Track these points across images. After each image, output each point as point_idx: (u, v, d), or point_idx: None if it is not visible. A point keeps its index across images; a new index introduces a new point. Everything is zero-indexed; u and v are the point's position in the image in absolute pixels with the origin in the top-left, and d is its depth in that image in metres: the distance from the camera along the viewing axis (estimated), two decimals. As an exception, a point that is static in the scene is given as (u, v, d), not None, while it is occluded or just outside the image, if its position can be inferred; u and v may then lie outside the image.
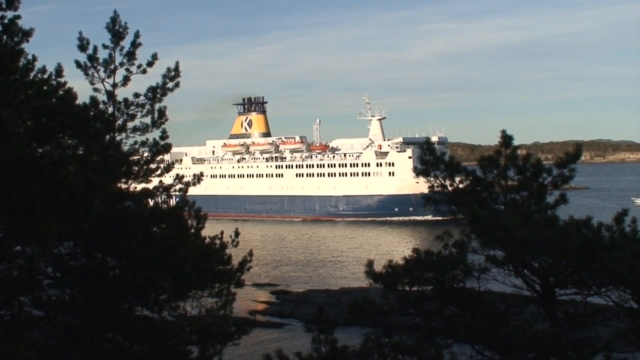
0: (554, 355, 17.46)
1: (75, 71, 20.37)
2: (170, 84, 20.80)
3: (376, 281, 19.16)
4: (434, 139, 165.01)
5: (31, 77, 19.46)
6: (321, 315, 18.59)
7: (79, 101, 19.66)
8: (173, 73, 20.80)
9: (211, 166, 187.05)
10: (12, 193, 16.99)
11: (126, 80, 20.49)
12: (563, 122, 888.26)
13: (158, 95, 20.66)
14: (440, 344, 18.70)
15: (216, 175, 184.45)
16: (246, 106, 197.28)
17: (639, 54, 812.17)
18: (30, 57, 19.43)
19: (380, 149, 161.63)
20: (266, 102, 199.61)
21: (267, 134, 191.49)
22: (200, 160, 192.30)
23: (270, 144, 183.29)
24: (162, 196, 21.22)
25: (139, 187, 20.74)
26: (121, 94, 20.57)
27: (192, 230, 20.69)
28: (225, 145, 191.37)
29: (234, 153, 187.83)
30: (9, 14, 18.49)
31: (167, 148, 20.92)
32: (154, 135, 20.83)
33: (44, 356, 18.40)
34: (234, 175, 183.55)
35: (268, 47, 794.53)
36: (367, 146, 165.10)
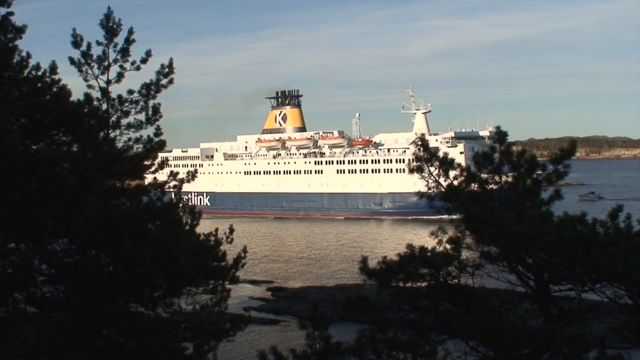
0: (548, 352, 17.46)
1: (69, 68, 20.38)
2: (164, 81, 20.78)
3: (370, 277, 19.14)
4: (486, 133, 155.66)
5: (25, 74, 19.44)
6: (315, 312, 18.58)
7: (73, 98, 19.65)
8: (167, 70, 20.77)
9: (244, 162, 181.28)
10: (6, 190, 16.96)
11: (120, 76, 20.46)
12: (559, 118, 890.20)
13: (152, 92, 20.63)
14: (435, 340, 18.70)
15: (250, 172, 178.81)
16: (280, 100, 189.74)
17: (634, 51, 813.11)
18: (24, 54, 19.43)
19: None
20: (301, 96, 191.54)
21: (302, 129, 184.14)
22: (232, 156, 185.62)
23: (308, 139, 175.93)
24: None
25: (133, 183, 20.73)
26: (115, 90, 20.57)
27: (187, 227, 20.66)
28: (259, 140, 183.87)
29: (269, 149, 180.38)
30: (2, 11, 18.52)
31: (161, 145, 20.87)
32: (148, 132, 20.81)
33: (39, 353, 18.39)
34: (269, 172, 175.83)
35: (263, 44, 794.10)
36: (413, 141, 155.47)
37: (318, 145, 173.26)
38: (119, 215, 19.38)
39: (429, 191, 20.65)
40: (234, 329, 20.89)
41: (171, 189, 21.27)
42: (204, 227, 21.32)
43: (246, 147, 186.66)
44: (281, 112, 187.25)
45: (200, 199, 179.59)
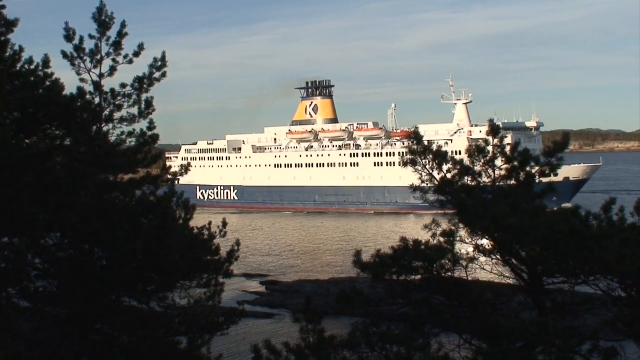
0: (542, 344, 17.47)
1: (62, 62, 20.36)
2: (157, 74, 20.76)
3: (364, 271, 19.11)
4: (532, 124, 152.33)
5: (18, 68, 19.39)
6: (309, 306, 18.58)
7: (66, 92, 19.61)
8: (160, 63, 20.75)
9: (274, 155, 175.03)
10: (-1, 184, 16.94)
11: (113, 70, 20.45)
12: (552, 111, 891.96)
13: (145, 86, 20.61)
14: (428, 333, 18.68)
15: (281, 165, 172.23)
16: (310, 90, 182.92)
17: (629, 44, 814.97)
18: (17, 47, 19.37)
19: (471, 135, 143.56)
20: (333, 86, 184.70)
21: (334, 120, 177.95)
22: (261, 149, 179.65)
23: (343, 130, 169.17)
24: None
25: (126, 177, 20.73)
26: (108, 84, 20.55)
27: (180, 221, 20.64)
28: (290, 132, 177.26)
29: (300, 141, 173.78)
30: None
31: (154, 139, 20.84)
32: (141, 125, 20.80)
33: (32, 347, 18.36)
34: (302, 165, 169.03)
35: (257, 37, 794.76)
36: (455, 132, 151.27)
37: (353, 137, 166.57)
38: (112, 209, 19.36)
39: (423, 184, 20.59)
40: (228, 323, 20.92)
41: (164, 183, 21.23)
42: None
43: (275, 139, 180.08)
44: (312, 102, 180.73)
45: (227, 193, 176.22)
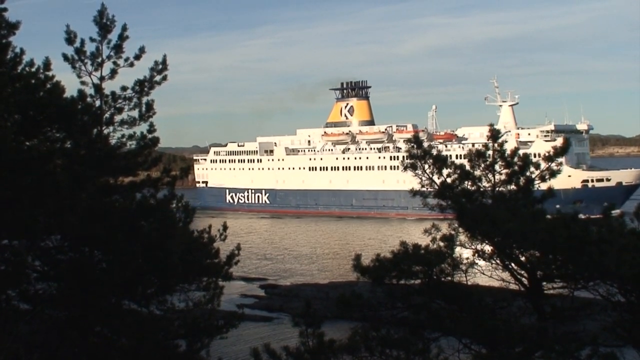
0: (541, 349, 17.46)
1: (63, 64, 20.38)
2: (157, 77, 20.76)
3: (363, 275, 19.10)
4: (583, 127, 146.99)
5: (19, 71, 19.39)
6: (308, 310, 18.57)
7: (67, 94, 19.62)
8: (160, 66, 20.76)
9: (309, 157, 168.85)
10: (-1, 186, 16.94)
11: (113, 73, 20.47)
12: (552, 116, 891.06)
13: (145, 89, 20.61)
14: (428, 338, 18.68)
15: (315, 168, 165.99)
16: (345, 91, 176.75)
17: (628, 49, 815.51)
18: (18, 50, 19.38)
19: (519, 137, 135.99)
20: (369, 87, 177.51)
21: (370, 122, 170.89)
22: (294, 151, 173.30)
23: (382, 132, 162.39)
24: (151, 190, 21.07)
25: (127, 180, 20.74)
26: (108, 87, 20.57)
27: (180, 224, 20.63)
28: (325, 134, 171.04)
29: (336, 143, 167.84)
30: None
31: (154, 141, 20.84)
32: (141, 128, 20.80)
33: (32, 350, 18.36)
34: (338, 168, 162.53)
35: (257, 41, 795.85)
36: (503, 135, 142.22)
37: (393, 139, 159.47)
38: (111, 212, 19.36)
39: (423, 189, 20.59)
40: (227, 326, 20.89)
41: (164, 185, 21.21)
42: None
43: (309, 142, 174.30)
44: (347, 104, 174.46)
45: (259, 196, 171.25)
